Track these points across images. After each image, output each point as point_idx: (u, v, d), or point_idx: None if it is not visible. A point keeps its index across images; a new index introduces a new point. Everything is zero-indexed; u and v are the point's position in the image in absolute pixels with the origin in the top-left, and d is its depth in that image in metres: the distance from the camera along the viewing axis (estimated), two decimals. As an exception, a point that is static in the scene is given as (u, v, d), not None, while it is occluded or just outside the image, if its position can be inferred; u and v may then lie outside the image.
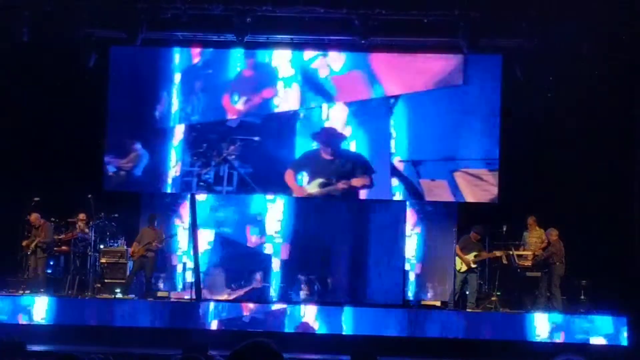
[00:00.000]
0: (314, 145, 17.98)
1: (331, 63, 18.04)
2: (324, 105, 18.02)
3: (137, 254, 16.74)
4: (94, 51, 17.49)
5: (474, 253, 16.51)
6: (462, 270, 16.60)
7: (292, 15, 16.81)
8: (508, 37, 16.90)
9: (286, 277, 17.92)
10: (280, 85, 18.05)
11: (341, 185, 17.74)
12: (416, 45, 17.72)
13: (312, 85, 18.02)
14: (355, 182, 17.79)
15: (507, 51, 17.33)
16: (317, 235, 18.11)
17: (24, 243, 16.71)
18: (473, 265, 16.52)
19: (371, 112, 17.98)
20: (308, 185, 17.91)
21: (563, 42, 16.34)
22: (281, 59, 18.11)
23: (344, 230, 18.21)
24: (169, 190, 18.12)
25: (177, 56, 18.19)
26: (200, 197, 18.08)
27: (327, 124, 17.96)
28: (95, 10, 16.71)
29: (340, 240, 18.13)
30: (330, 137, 17.95)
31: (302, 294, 17.50)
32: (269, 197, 18.28)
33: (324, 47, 18.04)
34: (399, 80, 17.89)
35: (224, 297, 17.23)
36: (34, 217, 16.65)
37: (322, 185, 17.80)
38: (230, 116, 18.11)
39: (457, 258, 16.69)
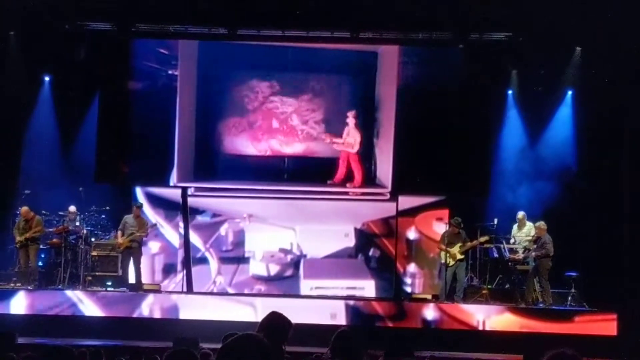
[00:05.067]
0: None
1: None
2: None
3: (122, 245, 16.65)
4: (84, 43, 17.50)
5: (459, 244, 16.51)
6: (450, 264, 16.61)
7: (282, 9, 16.83)
8: (497, 30, 16.96)
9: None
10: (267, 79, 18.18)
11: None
12: (405, 39, 17.78)
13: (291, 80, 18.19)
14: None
15: (497, 44, 17.39)
16: None
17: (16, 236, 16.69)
18: (460, 257, 16.52)
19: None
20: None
21: (551, 35, 16.42)
22: (269, 54, 18.17)
23: None
24: (160, 184, 18.11)
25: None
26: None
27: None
28: (85, 3, 16.71)
29: None
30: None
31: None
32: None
33: (314, 40, 18.06)
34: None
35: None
36: (24, 210, 16.53)
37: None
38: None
39: (442, 253, 16.70)
